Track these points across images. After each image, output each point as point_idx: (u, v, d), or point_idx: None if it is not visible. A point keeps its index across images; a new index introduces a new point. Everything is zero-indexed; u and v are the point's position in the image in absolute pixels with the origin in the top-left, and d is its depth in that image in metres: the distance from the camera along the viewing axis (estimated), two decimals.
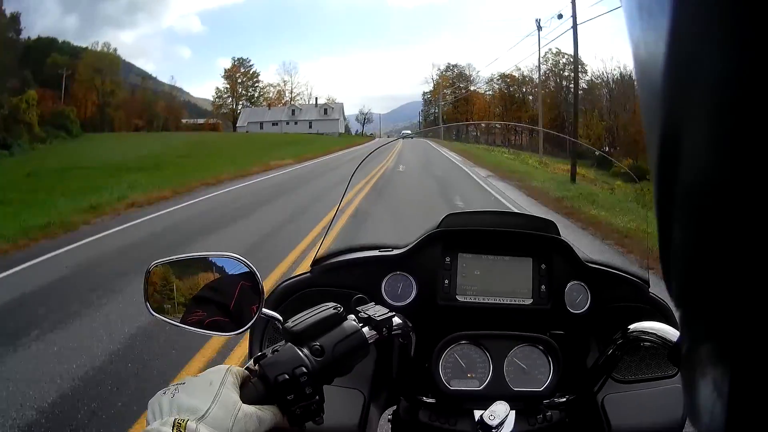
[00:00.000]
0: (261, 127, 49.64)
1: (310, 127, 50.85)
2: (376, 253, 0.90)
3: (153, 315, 0.60)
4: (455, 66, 51.49)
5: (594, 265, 0.90)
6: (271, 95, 55.41)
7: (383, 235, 4.88)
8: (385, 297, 0.85)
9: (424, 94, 54.81)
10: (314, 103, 54.00)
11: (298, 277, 0.88)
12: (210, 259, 0.64)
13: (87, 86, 37.70)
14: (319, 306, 0.59)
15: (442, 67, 52.67)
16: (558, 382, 0.80)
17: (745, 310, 0.18)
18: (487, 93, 48.73)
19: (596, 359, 0.81)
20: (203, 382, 0.49)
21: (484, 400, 0.75)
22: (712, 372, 0.21)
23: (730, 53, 0.17)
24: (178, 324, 0.60)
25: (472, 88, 49.84)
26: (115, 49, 41.00)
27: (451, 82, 51.01)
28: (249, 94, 53.82)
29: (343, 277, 0.87)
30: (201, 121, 49.67)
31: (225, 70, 54.16)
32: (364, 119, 59.90)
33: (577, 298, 0.87)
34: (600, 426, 0.83)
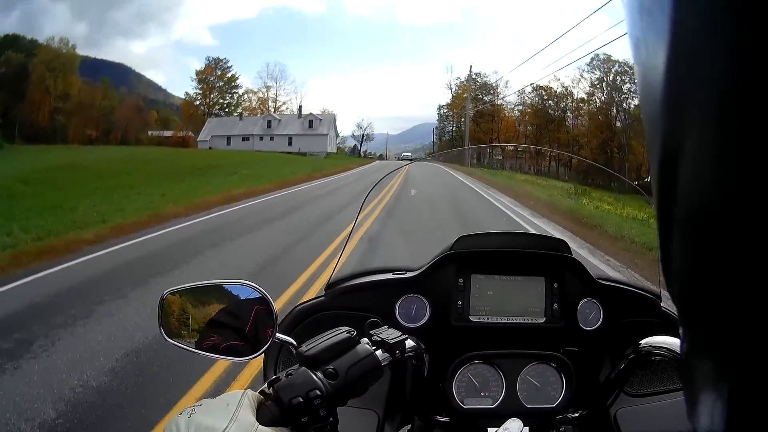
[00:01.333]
0: (228, 143, 47.96)
1: (290, 143, 48.37)
2: (389, 276, 1.07)
3: (168, 341, 0.76)
4: (478, 75, 50.75)
5: (606, 282, 1.07)
6: (253, 104, 53.33)
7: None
8: (399, 319, 1.01)
9: (440, 108, 54.13)
10: (298, 113, 50.69)
11: (312, 301, 1.05)
12: (223, 286, 0.80)
13: (42, 88, 37.40)
14: (333, 330, 0.73)
15: (464, 77, 51.77)
16: (571, 398, 0.96)
17: (745, 324, 0.21)
18: (517, 108, 48.19)
19: (608, 374, 0.97)
20: (220, 404, 0.61)
21: (498, 417, 0.90)
22: (713, 386, 0.24)
23: (731, 53, 0.19)
24: (193, 350, 0.75)
25: (498, 101, 48.75)
26: (74, 46, 41.27)
27: (473, 93, 49.92)
28: (225, 101, 52.10)
29: (356, 300, 1.04)
30: (169, 133, 48.75)
31: (196, 72, 52.64)
32: (363, 136, 56.76)
33: (590, 315, 1.04)
34: None
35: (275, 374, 0.72)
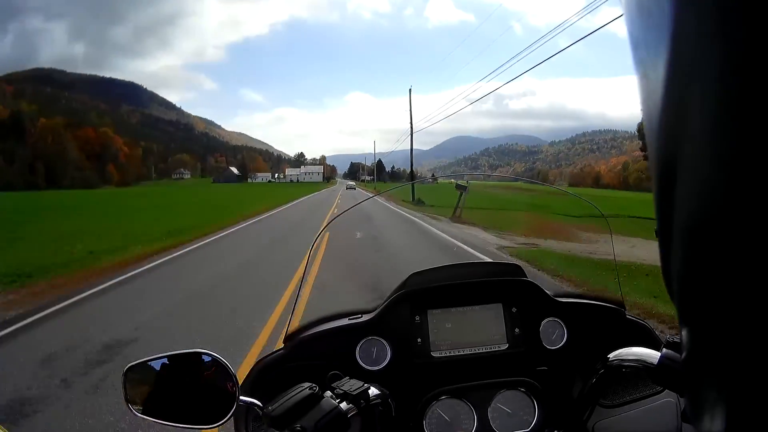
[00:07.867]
0: None
1: None
2: (345, 321, 1.08)
3: (136, 415, 0.78)
4: None
5: (565, 300, 1.10)
6: None
7: None
8: (361, 363, 1.04)
9: None
10: None
11: (272, 356, 1.05)
12: (184, 356, 0.83)
13: None
14: (296, 387, 0.76)
15: None
16: (545, 418, 0.99)
17: (744, 325, 0.22)
18: None
19: (581, 389, 0.99)
20: None
21: None
22: (713, 386, 0.25)
23: (730, 52, 0.20)
24: (161, 422, 0.77)
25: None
26: None
27: None
28: None
29: (316, 349, 1.04)
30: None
31: None
32: None
33: (553, 334, 1.07)
34: None
35: None
